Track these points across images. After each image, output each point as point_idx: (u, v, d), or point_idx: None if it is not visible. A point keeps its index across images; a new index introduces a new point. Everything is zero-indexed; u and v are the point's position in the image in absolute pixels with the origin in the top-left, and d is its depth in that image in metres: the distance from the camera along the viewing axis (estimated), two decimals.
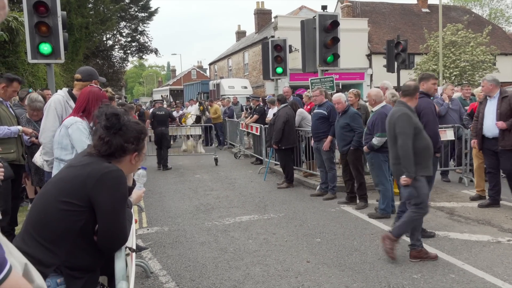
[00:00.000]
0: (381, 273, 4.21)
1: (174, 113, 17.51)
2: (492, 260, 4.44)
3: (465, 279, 4.03)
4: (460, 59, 24.10)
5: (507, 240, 5.03)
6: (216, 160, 11.68)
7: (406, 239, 5.22)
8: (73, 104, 3.77)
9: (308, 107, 9.29)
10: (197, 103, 15.76)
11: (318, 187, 7.77)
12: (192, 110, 16.15)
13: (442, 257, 4.58)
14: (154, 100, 15.80)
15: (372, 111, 6.30)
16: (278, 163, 9.72)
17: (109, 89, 5.16)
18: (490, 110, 6.24)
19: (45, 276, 1.96)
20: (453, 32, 24.72)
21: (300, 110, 8.94)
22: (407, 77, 23.41)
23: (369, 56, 29.49)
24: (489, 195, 6.54)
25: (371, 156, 6.19)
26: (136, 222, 5.75)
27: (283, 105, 8.62)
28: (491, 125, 6.19)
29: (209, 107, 16.25)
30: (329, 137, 7.29)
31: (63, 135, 3.36)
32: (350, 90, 7.71)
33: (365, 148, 6.22)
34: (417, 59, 26.80)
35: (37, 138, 4.83)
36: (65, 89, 3.99)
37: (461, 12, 33.47)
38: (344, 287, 3.94)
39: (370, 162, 6.28)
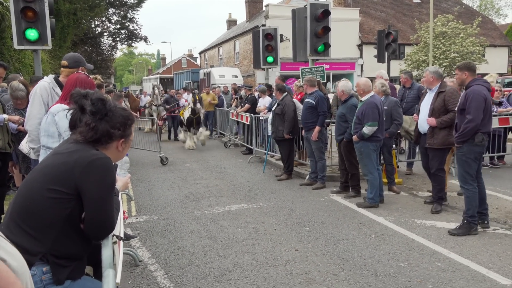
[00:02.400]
0: (368, 262, 4.26)
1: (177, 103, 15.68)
2: (477, 249, 4.52)
3: (450, 267, 4.09)
4: (450, 50, 24.23)
5: (492, 229, 5.12)
6: (161, 158, 10.13)
7: (387, 224, 5.28)
8: (59, 91, 3.72)
9: (299, 96, 9.27)
10: (191, 94, 14.13)
11: (307, 177, 7.80)
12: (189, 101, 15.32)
13: (429, 245, 4.64)
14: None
15: (361, 100, 6.31)
16: (270, 153, 9.72)
17: (98, 77, 5.08)
18: (426, 104, 5.80)
19: (31, 265, 1.94)
20: (443, 23, 24.80)
21: (293, 100, 8.92)
22: (398, 67, 23.55)
23: (360, 46, 29.49)
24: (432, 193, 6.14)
25: (360, 145, 6.22)
26: (126, 218, 5.74)
27: (285, 94, 8.39)
28: (423, 121, 5.78)
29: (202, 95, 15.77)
30: (317, 127, 7.28)
31: (50, 123, 3.31)
32: (341, 80, 7.71)
33: (354, 137, 6.25)
34: (408, 50, 26.78)
35: (23, 125, 4.76)
36: (51, 76, 3.92)
37: (452, 3, 33.56)
38: (332, 275, 3.99)
39: (359, 151, 6.30)
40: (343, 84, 6.84)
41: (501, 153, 8.88)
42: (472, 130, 4.84)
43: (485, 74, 7.73)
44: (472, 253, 4.39)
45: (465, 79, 5.01)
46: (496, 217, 5.58)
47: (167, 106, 15.39)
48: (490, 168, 8.72)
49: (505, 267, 4.05)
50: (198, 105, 12.22)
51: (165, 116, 15.72)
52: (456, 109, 5.15)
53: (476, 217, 4.97)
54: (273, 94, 10.70)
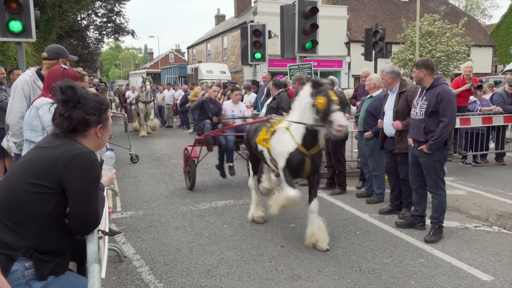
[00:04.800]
0: (353, 258, 4.30)
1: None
2: (459, 246, 4.59)
3: (433, 263, 4.16)
4: (436, 49, 24.48)
5: (474, 226, 5.21)
6: (131, 156, 9.77)
7: (372, 221, 5.33)
8: (41, 84, 3.66)
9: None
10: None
11: None
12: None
13: (412, 242, 4.71)
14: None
15: (372, 96, 6.28)
16: None
17: (79, 69, 5.00)
18: (389, 106, 5.50)
19: (13, 260, 1.92)
20: (430, 22, 25.03)
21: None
22: (384, 66, 23.70)
23: (347, 44, 29.63)
24: (389, 200, 5.87)
25: (373, 142, 6.10)
26: (111, 212, 5.70)
27: (281, 89, 8.36)
28: (389, 123, 5.47)
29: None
30: None
31: (33, 117, 3.26)
32: (328, 78, 7.73)
33: (369, 133, 6.14)
34: (395, 48, 27.07)
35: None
36: (33, 69, 3.86)
37: (439, 3, 33.90)
38: (317, 271, 4.02)
39: (371, 147, 6.17)
40: None
41: (484, 152, 9.03)
42: (449, 134, 4.68)
43: (477, 74, 7.79)
44: (454, 250, 4.47)
45: (423, 78, 4.74)
46: (478, 214, 5.68)
47: (218, 119, 7.76)
48: (473, 166, 8.86)
49: (486, 264, 4.13)
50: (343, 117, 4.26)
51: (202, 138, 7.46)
52: (420, 110, 4.78)
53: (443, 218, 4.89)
54: (259, 91, 10.72)
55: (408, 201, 5.55)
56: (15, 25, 6.73)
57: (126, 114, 13.08)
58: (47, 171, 1.97)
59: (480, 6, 50.64)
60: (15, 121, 3.63)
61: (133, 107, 15.64)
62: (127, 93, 18.91)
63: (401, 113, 5.26)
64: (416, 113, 4.82)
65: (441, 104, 4.56)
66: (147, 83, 14.37)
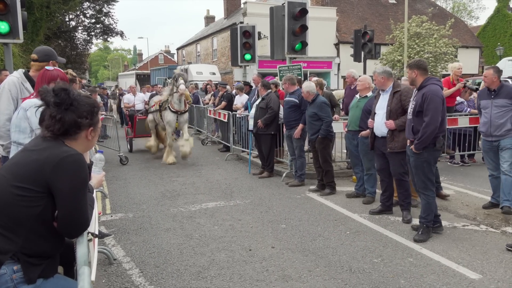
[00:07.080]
0: (343, 258, 4.33)
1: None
2: (448, 245, 4.64)
3: (422, 262, 4.20)
4: (424, 50, 24.71)
5: (462, 225, 5.27)
6: (121, 158, 9.64)
7: (362, 221, 5.36)
8: (29, 86, 3.62)
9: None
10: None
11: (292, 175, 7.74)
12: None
13: (401, 241, 4.75)
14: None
15: (367, 96, 6.30)
16: (247, 150, 9.72)
17: (70, 71, 4.96)
18: (381, 106, 5.52)
19: (0, 264, 1.90)
20: (417, 23, 25.27)
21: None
22: (373, 67, 23.88)
23: (337, 45, 29.77)
24: (380, 201, 5.86)
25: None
26: (100, 214, 5.66)
27: (269, 90, 8.38)
28: (380, 123, 5.48)
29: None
30: (300, 125, 7.31)
31: (21, 118, 3.22)
32: (315, 79, 7.76)
33: (366, 132, 6.06)
34: (383, 50, 27.24)
35: None
36: (20, 71, 3.81)
37: (426, 4, 34.23)
38: (307, 271, 4.03)
39: (368, 146, 6.05)
40: (307, 85, 6.90)
41: (471, 152, 9.13)
42: (432, 134, 4.60)
43: (464, 75, 7.85)
44: (443, 249, 4.52)
45: (415, 78, 4.77)
46: (466, 213, 5.74)
47: None
48: (461, 166, 8.96)
49: (473, 262, 4.18)
50: None
51: None
52: (411, 110, 4.85)
53: (432, 220, 4.90)
54: (251, 92, 10.73)
55: (406, 202, 5.49)
56: (2, 26, 6.66)
57: (113, 116, 11.73)
58: (34, 174, 1.95)
59: (467, 7, 51.32)
60: (2, 123, 3.59)
61: (149, 116, 10.44)
62: (126, 98, 13.43)
63: (394, 112, 5.28)
64: (409, 113, 4.92)
65: (424, 103, 4.62)
66: (181, 81, 8.88)
